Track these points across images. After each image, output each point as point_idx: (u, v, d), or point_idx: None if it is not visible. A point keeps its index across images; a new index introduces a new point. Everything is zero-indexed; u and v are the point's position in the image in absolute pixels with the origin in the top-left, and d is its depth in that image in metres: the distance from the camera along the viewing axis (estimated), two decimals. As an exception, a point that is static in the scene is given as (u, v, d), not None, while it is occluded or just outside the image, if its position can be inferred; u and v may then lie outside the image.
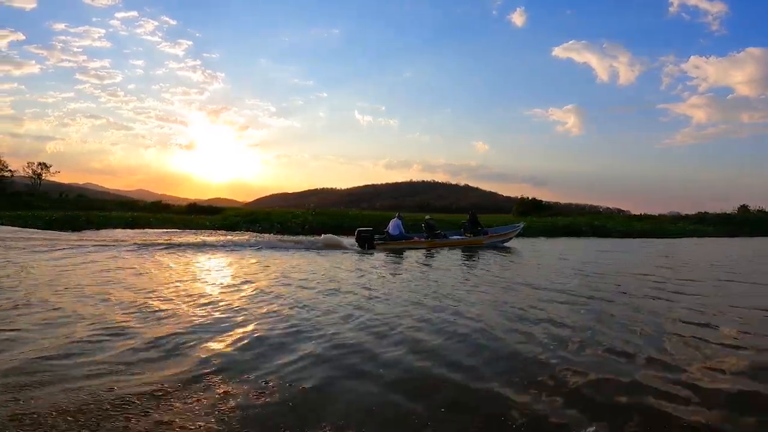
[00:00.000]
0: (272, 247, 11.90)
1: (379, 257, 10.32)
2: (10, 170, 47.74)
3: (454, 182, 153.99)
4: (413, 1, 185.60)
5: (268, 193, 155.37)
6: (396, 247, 12.54)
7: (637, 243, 18.65)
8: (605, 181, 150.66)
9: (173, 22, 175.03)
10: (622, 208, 57.46)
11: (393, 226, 13.10)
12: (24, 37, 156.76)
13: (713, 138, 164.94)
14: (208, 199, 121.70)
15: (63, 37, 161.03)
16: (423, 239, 13.18)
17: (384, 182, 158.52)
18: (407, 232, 13.46)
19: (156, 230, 17.66)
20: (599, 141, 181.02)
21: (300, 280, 6.49)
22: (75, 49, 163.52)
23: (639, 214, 41.34)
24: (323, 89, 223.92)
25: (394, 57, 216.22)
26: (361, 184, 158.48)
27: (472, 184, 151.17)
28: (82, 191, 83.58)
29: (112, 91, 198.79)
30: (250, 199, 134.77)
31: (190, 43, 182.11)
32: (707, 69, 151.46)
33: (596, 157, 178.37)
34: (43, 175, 52.33)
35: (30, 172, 51.15)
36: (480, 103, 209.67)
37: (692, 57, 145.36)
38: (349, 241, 12.84)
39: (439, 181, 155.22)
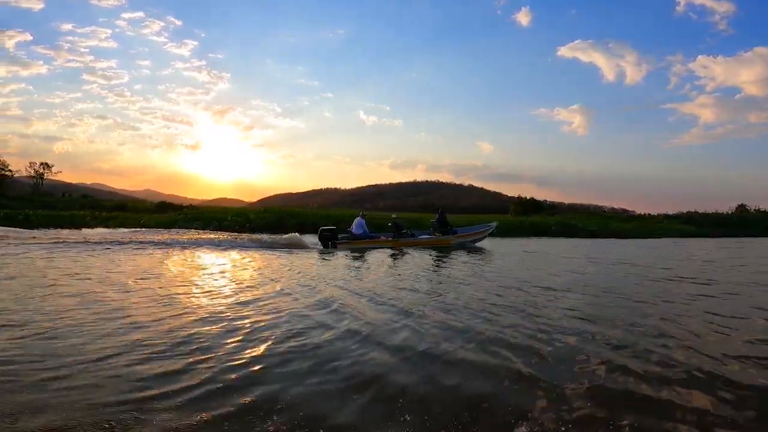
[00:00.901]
0: (194, 244, 11.60)
1: (307, 256, 10.04)
2: (11, 170, 49.03)
3: (458, 182, 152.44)
4: (417, 2, 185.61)
5: (272, 193, 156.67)
6: (359, 246, 12.40)
7: (597, 243, 17.50)
8: (612, 181, 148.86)
9: (178, 23, 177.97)
10: (628, 208, 56.13)
11: (356, 225, 12.95)
12: (31, 38, 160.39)
13: (721, 138, 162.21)
14: (213, 199, 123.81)
15: (70, 38, 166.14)
16: (389, 238, 13.00)
17: (388, 182, 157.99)
18: (371, 231, 13.40)
19: (92, 230, 17.41)
20: (606, 141, 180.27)
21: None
22: (82, 50, 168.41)
23: (643, 213, 39.77)
24: (328, 90, 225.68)
25: (399, 57, 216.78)
26: (365, 184, 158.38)
27: (476, 184, 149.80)
28: (90, 191, 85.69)
29: (118, 92, 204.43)
30: (254, 199, 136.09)
31: (195, 43, 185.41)
32: (715, 69, 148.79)
33: (602, 156, 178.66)
34: (46, 174, 53.68)
35: (32, 171, 52.58)
36: (485, 103, 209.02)
37: (700, 56, 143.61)
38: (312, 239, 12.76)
39: (444, 181, 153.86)
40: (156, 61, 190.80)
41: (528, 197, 59.09)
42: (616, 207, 65.32)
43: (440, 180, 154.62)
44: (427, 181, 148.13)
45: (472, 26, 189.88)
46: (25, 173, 52.04)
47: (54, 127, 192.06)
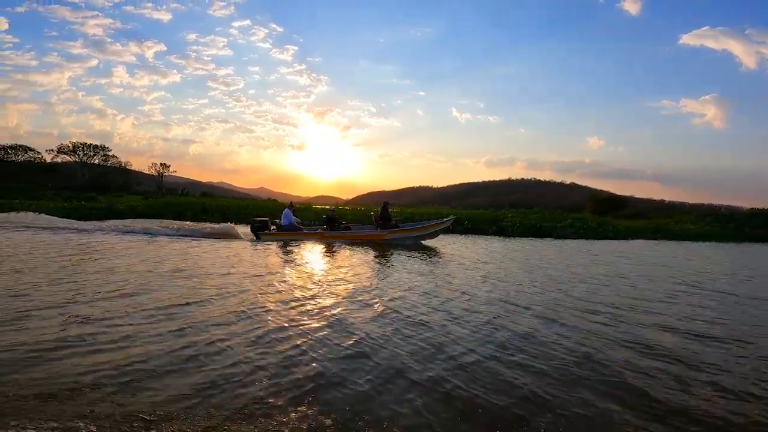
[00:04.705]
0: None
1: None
2: (121, 164, 61.65)
3: (559, 180, 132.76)
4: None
5: (368, 191, 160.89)
6: (285, 237, 12.73)
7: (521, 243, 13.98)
8: (758, 180, 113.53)
9: (280, 29, 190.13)
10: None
11: (284, 216, 13.26)
12: (165, 48, 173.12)
13: None
14: (315, 197, 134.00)
15: (195, 47, 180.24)
16: (324, 231, 13.19)
17: (481, 180, 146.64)
18: (299, 223, 13.79)
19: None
20: (750, 135, 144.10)
21: None
22: (205, 58, 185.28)
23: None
24: (420, 88, 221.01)
25: (492, 52, 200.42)
26: (458, 182, 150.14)
27: (582, 182, 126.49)
28: (215, 189, 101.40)
29: (236, 97, 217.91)
30: (352, 197, 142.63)
31: (295, 48, 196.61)
32: None
33: (745, 153, 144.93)
34: (164, 173, 66.05)
35: (154, 171, 65.36)
36: (592, 96, 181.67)
37: None
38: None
39: (543, 179, 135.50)
40: (264, 67, 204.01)
41: (606, 194, 51.36)
42: (758, 208, 50.38)
43: (538, 178, 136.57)
44: (522, 179, 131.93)
45: (571, 17, 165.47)
46: (147, 171, 65.13)
47: (189, 131, 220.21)
